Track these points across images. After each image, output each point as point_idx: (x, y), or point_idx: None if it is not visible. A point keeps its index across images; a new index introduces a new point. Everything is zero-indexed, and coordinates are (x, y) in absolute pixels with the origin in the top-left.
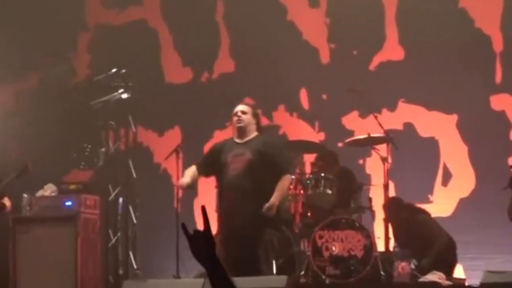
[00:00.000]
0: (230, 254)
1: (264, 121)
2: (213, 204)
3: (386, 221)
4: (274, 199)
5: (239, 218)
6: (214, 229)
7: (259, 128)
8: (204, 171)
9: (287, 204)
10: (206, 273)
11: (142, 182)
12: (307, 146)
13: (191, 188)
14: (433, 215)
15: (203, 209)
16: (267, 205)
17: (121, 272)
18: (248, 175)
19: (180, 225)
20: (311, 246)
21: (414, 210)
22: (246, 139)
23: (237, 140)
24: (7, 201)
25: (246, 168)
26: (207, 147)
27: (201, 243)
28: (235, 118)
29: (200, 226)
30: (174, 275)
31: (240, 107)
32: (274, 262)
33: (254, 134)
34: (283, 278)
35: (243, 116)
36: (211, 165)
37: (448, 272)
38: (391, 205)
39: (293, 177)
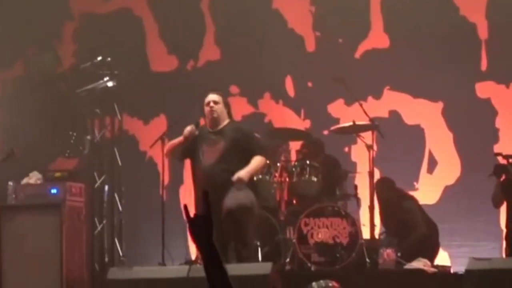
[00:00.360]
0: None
1: (250, 109)
2: None
3: (372, 205)
4: (244, 171)
5: (215, 206)
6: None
7: (230, 115)
8: (180, 155)
9: (273, 192)
10: (201, 257)
11: (127, 170)
12: (293, 134)
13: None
14: (415, 199)
15: (205, 194)
16: (236, 174)
17: (106, 259)
18: (223, 163)
19: (183, 207)
20: (297, 233)
21: (403, 195)
22: (220, 127)
23: (210, 129)
24: None
25: (221, 157)
26: None
27: (200, 227)
28: (208, 109)
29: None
30: (160, 262)
31: (212, 97)
32: (259, 249)
33: (226, 121)
34: (268, 265)
35: (216, 106)
36: (186, 149)
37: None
38: (382, 184)
39: (278, 164)
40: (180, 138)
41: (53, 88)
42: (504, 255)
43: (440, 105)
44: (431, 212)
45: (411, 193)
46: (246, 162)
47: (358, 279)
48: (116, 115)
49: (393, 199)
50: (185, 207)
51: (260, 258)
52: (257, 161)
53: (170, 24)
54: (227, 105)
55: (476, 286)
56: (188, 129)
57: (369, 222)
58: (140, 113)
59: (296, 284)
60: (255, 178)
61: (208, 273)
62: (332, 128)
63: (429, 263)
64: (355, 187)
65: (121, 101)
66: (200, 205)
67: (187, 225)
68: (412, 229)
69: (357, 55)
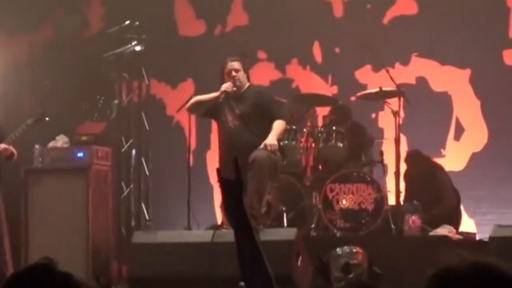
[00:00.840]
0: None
1: (277, 75)
2: None
3: (398, 171)
4: (271, 137)
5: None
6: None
7: (248, 78)
8: (204, 111)
9: (298, 157)
10: (231, 222)
11: (155, 134)
12: (320, 100)
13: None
14: (445, 169)
15: (235, 161)
16: (265, 142)
17: (133, 223)
18: (246, 127)
19: (215, 170)
20: (322, 199)
21: (434, 167)
22: (241, 91)
23: (232, 94)
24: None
25: (244, 121)
26: None
27: (231, 191)
28: (230, 78)
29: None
30: (185, 226)
31: (232, 65)
32: (285, 214)
33: (246, 85)
34: (293, 231)
35: (237, 75)
36: (211, 109)
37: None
38: (413, 157)
39: (304, 130)
40: (215, 94)
41: (81, 52)
42: None
43: (467, 72)
44: (457, 179)
45: (438, 160)
46: (267, 125)
47: (383, 245)
48: (143, 79)
49: (425, 172)
50: (218, 170)
51: (285, 224)
52: (278, 125)
53: None
54: (246, 70)
55: (500, 253)
56: (227, 85)
57: (395, 188)
58: (168, 77)
59: (321, 250)
60: (281, 144)
61: (237, 239)
62: (359, 94)
63: (454, 230)
64: (381, 153)
65: (148, 66)
66: (226, 168)
67: (219, 189)
68: (440, 200)
69: (385, 21)
